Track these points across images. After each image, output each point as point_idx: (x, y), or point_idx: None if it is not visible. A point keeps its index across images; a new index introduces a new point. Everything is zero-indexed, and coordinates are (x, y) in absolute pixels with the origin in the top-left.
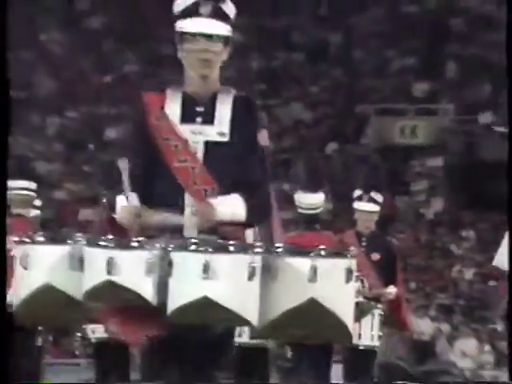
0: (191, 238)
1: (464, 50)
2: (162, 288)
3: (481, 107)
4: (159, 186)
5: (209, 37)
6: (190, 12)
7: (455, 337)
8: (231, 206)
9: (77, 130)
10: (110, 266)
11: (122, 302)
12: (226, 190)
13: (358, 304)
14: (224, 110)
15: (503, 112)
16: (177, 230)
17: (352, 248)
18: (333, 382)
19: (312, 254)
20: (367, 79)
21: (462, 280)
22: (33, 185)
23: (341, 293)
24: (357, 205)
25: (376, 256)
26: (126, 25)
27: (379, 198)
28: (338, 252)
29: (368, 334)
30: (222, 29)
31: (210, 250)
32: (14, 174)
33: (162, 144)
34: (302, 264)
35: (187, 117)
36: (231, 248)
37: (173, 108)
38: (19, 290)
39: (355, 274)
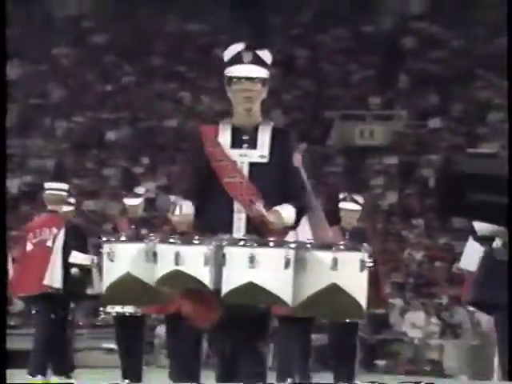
0: (240, 236)
1: (414, 64)
2: (217, 275)
3: (430, 114)
4: (213, 197)
5: (251, 79)
6: (235, 60)
7: (406, 310)
8: (289, 214)
9: (82, 132)
10: (177, 258)
11: (186, 287)
12: (268, 200)
13: None
14: (264, 138)
15: (450, 118)
16: (227, 230)
17: (365, 244)
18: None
19: (333, 249)
20: (332, 89)
21: (412, 261)
22: (65, 186)
23: (356, 279)
24: (341, 204)
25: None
26: (125, 41)
27: (360, 199)
28: (354, 247)
29: None
30: (261, 72)
31: (255, 245)
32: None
33: (216, 165)
34: (326, 256)
35: (236, 143)
36: (271, 244)
37: (224, 137)
38: (107, 278)
39: (369, 264)
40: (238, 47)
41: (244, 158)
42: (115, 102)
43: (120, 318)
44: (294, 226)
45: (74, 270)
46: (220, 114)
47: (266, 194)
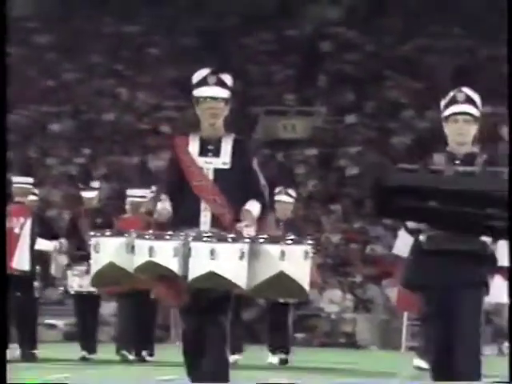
0: (204, 231)
1: (331, 65)
2: (184, 265)
3: (346, 110)
4: (185, 196)
5: (214, 99)
6: (202, 83)
7: (324, 288)
8: (257, 209)
9: (26, 124)
10: (151, 251)
11: (158, 274)
12: (230, 199)
13: None
14: (227, 148)
15: (364, 114)
16: (195, 224)
17: (308, 237)
18: None
19: (281, 243)
20: (258, 87)
21: (329, 243)
22: (30, 179)
23: (300, 267)
24: (277, 197)
25: (290, 235)
26: (66, 41)
27: (293, 193)
28: (299, 240)
29: None
30: (223, 93)
31: (215, 240)
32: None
33: (186, 170)
34: (275, 249)
35: (203, 152)
36: (229, 239)
37: (193, 147)
38: (94, 266)
39: (311, 254)
40: (204, 72)
41: (209, 164)
42: (57, 96)
43: (79, 296)
44: (258, 219)
45: (37, 255)
46: (153, 108)
47: (228, 193)
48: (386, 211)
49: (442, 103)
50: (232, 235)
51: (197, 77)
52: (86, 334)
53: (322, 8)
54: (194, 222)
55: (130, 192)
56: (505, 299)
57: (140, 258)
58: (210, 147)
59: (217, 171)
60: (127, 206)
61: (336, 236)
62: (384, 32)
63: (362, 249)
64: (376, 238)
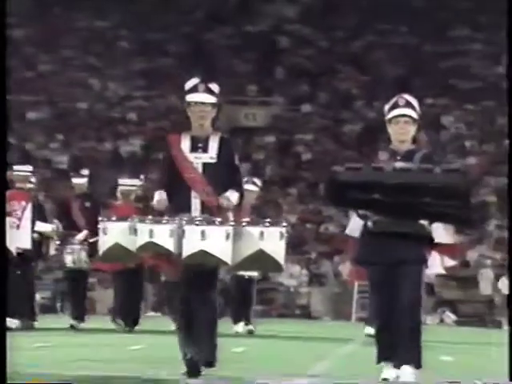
0: (195, 216)
1: (288, 59)
2: (179, 244)
3: (302, 100)
4: (178, 187)
5: (203, 104)
6: (193, 90)
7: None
8: (235, 197)
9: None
10: (151, 233)
11: (157, 252)
12: (217, 189)
13: None
14: (214, 145)
15: (318, 104)
16: (187, 210)
17: (284, 220)
18: None
19: (260, 225)
20: (219, 79)
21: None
22: (30, 167)
23: (277, 246)
24: (244, 186)
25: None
26: (42, 35)
27: (258, 182)
28: (275, 222)
29: None
30: (211, 99)
31: (205, 223)
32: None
33: (179, 165)
34: (255, 230)
35: (193, 149)
36: (216, 223)
37: (185, 144)
38: (102, 246)
39: (286, 234)
40: (195, 81)
41: (199, 159)
42: (34, 86)
43: (71, 271)
44: (237, 205)
45: (35, 236)
46: (123, 98)
47: (214, 184)
48: (339, 202)
49: (386, 107)
50: (219, 219)
51: (189, 85)
52: (76, 305)
53: (279, 6)
54: (186, 208)
55: (121, 181)
56: (442, 270)
57: (141, 239)
58: (199, 144)
59: (205, 165)
60: (118, 194)
61: (293, 217)
62: (336, 29)
63: (316, 228)
64: (329, 218)
